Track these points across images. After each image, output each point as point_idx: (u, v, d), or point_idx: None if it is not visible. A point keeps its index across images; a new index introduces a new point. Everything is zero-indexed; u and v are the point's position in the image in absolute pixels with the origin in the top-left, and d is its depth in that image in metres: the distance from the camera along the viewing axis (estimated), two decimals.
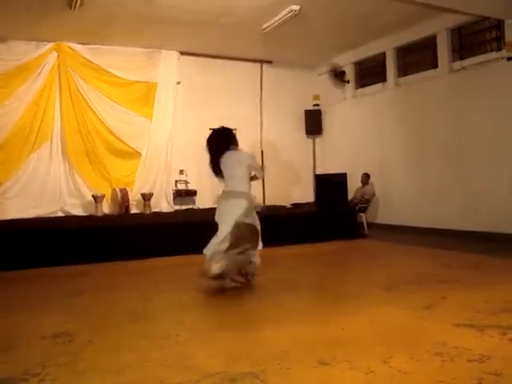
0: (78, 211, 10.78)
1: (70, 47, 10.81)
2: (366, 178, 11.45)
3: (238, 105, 12.57)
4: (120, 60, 11.31)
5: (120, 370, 3.22)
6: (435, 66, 10.47)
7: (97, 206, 10.46)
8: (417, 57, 11.17)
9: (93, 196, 10.54)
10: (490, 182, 9.13)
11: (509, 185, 8.79)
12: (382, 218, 11.54)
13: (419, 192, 10.54)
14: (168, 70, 11.80)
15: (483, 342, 3.59)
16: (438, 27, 10.13)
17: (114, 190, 10.79)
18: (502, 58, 8.93)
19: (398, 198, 11.04)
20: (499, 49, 9.13)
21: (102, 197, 10.61)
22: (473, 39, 9.84)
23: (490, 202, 9.10)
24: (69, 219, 10.08)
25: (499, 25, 9.10)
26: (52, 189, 10.69)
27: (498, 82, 8.96)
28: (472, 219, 9.40)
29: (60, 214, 10.67)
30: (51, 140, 10.73)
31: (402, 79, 11.41)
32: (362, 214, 10.83)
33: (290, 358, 3.34)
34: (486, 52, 9.50)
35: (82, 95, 10.90)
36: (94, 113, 11.00)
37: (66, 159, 10.84)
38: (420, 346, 3.51)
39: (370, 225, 11.08)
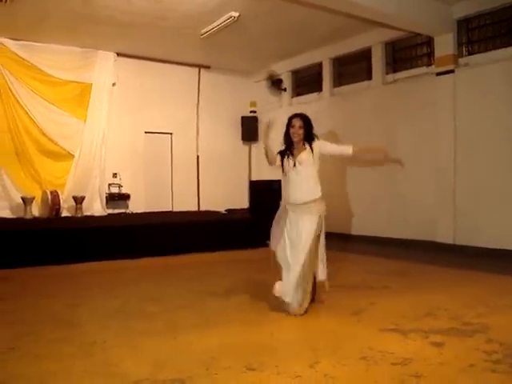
0: (5, 213, 10.34)
1: (0, 42, 10.35)
2: None
3: (174, 109, 12.53)
4: (54, 58, 10.92)
5: (43, 378, 3.13)
6: (369, 77, 10.77)
7: (26, 209, 10.10)
8: (352, 68, 11.43)
9: (22, 198, 10.16)
10: (417, 192, 9.49)
11: (434, 194, 9.14)
12: None
13: (352, 201, 10.77)
14: (104, 70, 11.53)
15: (407, 345, 3.73)
16: (374, 40, 10.45)
17: (44, 192, 10.46)
18: (432, 73, 9.30)
19: (332, 207, 11.14)
20: (429, 64, 9.52)
21: (32, 199, 10.25)
22: (405, 54, 10.20)
23: (417, 210, 9.45)
24: None
25: (429, 42, 9.49)
26: None
27: (427, 96, 9.32)
28: (400, 227, 9.73)
29: None
30: None
31: (337, 89, 11.65)
32: None
33: (217, 363, 3.35)
34: (417, 66, 9.87)
35: (12, 92, 10.48)
36: (25, 111, 10.60)
37: None
38: (346, 350, 3.60)
39: None
